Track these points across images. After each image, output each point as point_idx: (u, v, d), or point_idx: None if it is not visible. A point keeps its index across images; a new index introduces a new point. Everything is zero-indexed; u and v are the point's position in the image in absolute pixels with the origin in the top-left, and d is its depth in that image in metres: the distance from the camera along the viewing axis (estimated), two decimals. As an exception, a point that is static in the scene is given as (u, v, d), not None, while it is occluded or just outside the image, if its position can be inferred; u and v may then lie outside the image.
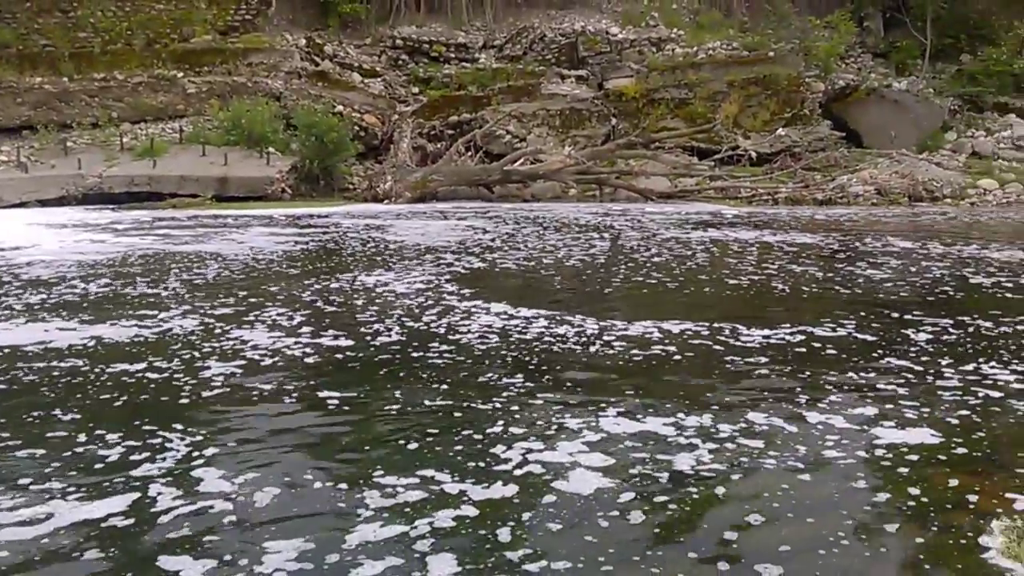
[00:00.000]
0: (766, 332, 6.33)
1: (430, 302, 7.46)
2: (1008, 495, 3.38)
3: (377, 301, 7.54)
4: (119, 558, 2.90)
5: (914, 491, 3.42)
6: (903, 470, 3.66)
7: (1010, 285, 8.79)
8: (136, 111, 25.45)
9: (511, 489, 3.41)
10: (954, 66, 31.50)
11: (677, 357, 5.61)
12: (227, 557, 2.89)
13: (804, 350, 5.85)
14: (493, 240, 12.94)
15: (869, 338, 6.24)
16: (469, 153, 24.72)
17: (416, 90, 28.44)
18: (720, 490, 3.46)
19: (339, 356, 5.57)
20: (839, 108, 28.28)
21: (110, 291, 8.11)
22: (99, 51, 25.93)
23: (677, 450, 3.88)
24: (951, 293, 8.34)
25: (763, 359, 5.53)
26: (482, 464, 3.69)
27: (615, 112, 26.94)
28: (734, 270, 9.82)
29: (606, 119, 26.83)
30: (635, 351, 5.74)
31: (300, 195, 22.79)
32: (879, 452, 3.87)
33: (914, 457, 3.80)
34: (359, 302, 7.53)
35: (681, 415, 4.39)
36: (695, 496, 3.40)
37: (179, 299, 7.62)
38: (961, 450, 3.90)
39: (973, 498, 3.33)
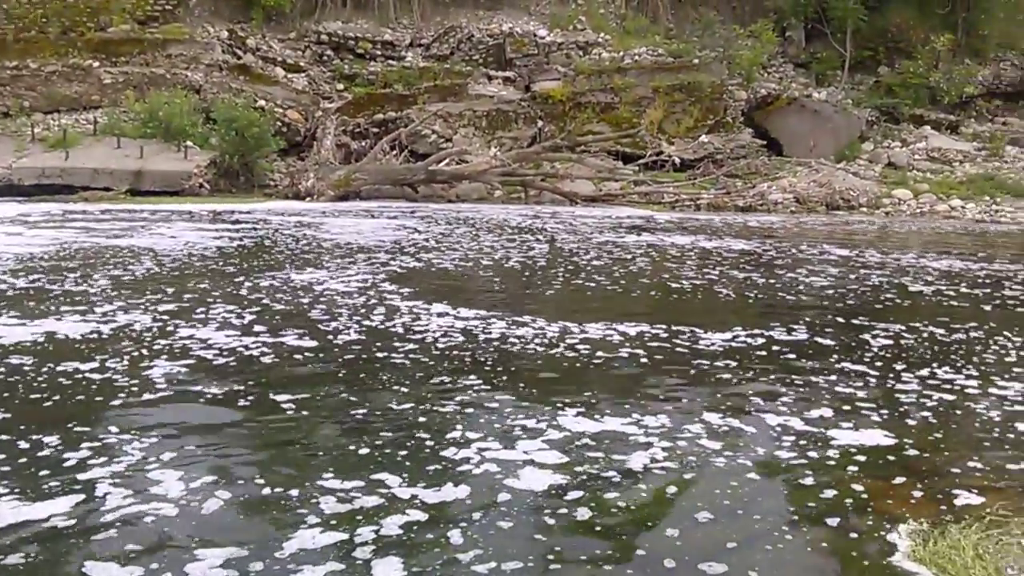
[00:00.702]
0: (723, 336, 6.39)
1: (373, 301, 7.41)
2: (939, 496, 3.48)
3: (322, 300, 7.43)
4: (43, 565, 2.82)
5: (857, 488, 3.53)
6: (852, 469, 3.75)
7: (952, 293, 8.99)
8: (49, 101, 24.80)
9: (463, 490, 3.39)
10: (872, 78, 32.54)
11: (636, 358, 5.64)
12: (154, 565, 2.80)
13: (764, 353, 5.91)
14: (427, 240, 12.93)
15: (825, 342, 6.34)
16: (394, 152, 24.72)
17: (341, 87, 28.32)
18: (671, 489, 3.50)
19: (294, 356, 5.44)
20: (761, 117, 29.05)
21: (47, 286, 7.82)
22: (12, 39, 25.16)
23: (633, 449, 3.90)
24: (897, 300, 8.49)
25: (723, 362, 5.60)
26: (436, 466, 3.65)
27: (541, 114, 27.22)
28: (676, 275, 9.92)
29: (532, 121, 27.10)
30: (593, 352, 5.77)
31: (219, 191, 22.48)
32: (831, 453, 3.95)
33: (862, 458, 3.88)
34: (304, 300, 7.41)
35: (638, 415, 4.41)
36: (645, 494, 3.44)
37: (122, 295, 7.43)
38: (912, 452, 4.01)
39: (898, 501, 3.43)
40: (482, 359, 5.50)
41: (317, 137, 24.99)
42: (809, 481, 3.64)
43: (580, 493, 3.40)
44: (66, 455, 3.73)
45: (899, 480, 3.64)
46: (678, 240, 14.09)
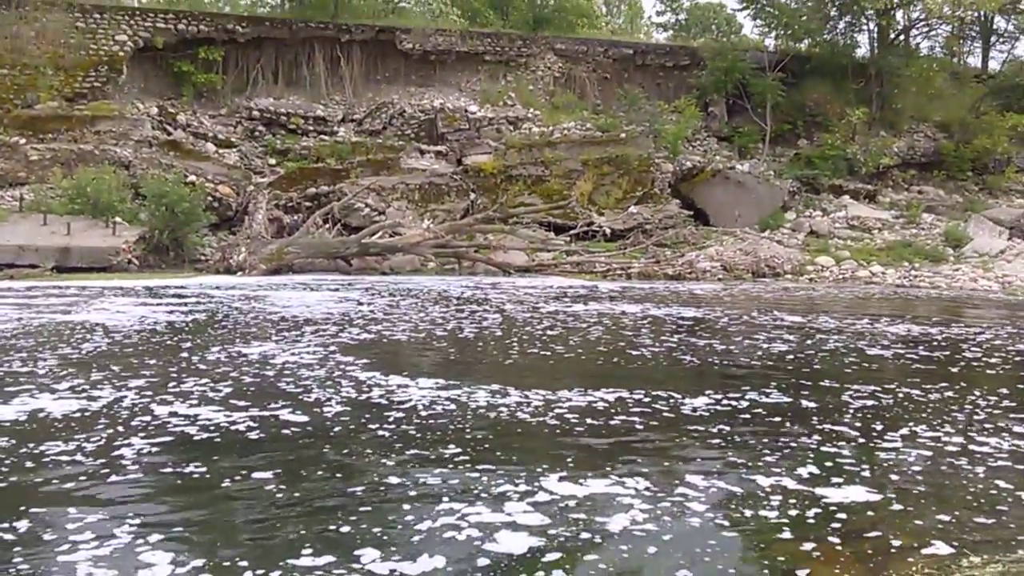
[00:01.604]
0: (703, 400, 6.49)
1: (336, 373, 7.35)
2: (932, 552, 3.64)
3: (286, 373, 7.37)
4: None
5: (836, 542, 3.69)
6: (835, 525, 3.90)
7: (915, 357, 9.11)
8: (-28, 178, 24.60)
9: (439, 560, 3.43)
10: (792, 150, 33.89)
11: (618, 423, 5.73)
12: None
13: (747, 416, 6.01)
14: (373, 312, 12.93)
15: (806, 404, 6.48)
16: (327, 225, 24.96)
17: (273, 161, 28.62)
18: (651, 548, 3.59)
19: (278, 430, 5.39)
20: (687, 188, 30.05)
21: (9, 365, 7.60)
22: (-65, 115, 25.03)
23: (614, 511, 3.99)
24: (862, 364, 8.65)
25: (710, 425, 5.68)
26: (415, 538, 3.67)
27: (474, 187, 27.85)
28: (635, 343, 9.91)
29: (465, 194, 27.68)
30: (581, 418, 5.86)
31: (148, 266, 22.43)
32: (814, 511, 4.08)
33: (843, 516, 4.02)
34: (268, 373, 7.36)
35: (622, 477, 4.50)
36: (624, 554, 3.52)
37: (85, 371, 7.30)
38: (897, 507, 4.18)
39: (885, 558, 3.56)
40: (465, 429, 5.49)
41: (249, 212, 25.16)
42: (787, 536, 3.77)
43: (558, 555, 3.52)
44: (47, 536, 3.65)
45: (878, 535, 3.78)
46: (627, 308, 14.26)
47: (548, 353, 9.04)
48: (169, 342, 9.38)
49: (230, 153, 27.91)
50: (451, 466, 4.67)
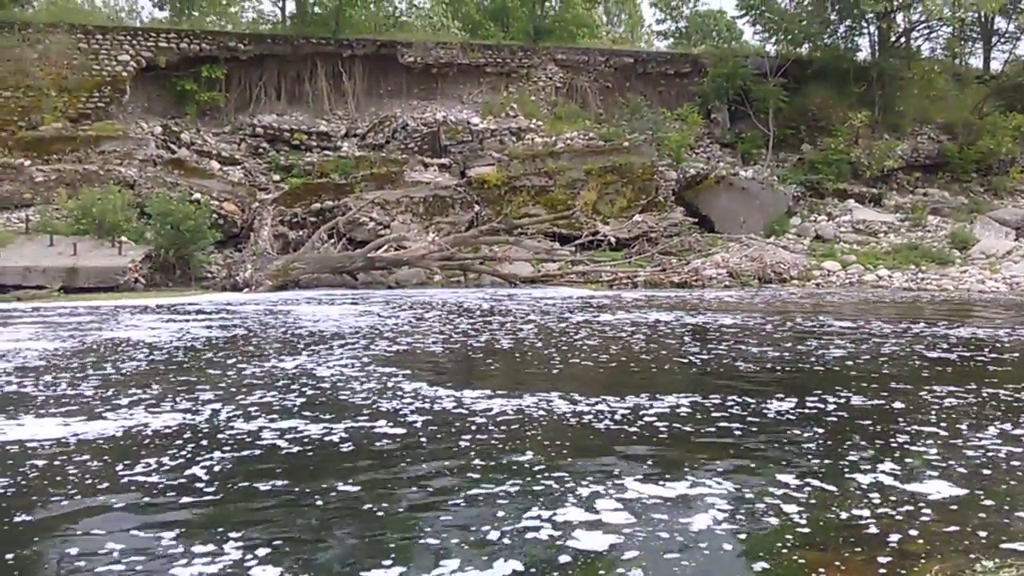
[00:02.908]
0: (782, 404, 6.55)
1: (379, 386, 7.43)
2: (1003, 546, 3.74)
3: (340, 385, 7.50)
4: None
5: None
6: (923, 519, 3.97)
7: (986, 359, 9.23)
8: (-22, 201, 24.84)
9: (518, 564, 3.57)
10: (796, 155, 34.00)
11: (705, 427, 5.82)
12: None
13: (835, 419, 6.06)
14: (399, 325, 13.08)
15: (897, 405, 6.55)
16: (332, 240, 25.14)
17: (277, 178, 28.90)
18: (727, 546, 3.73)
19: (370, 442, 5.51)
20: (691, 195, 30.22)
21: (72, 385, 7.69)
22: (-60, 139, 25.30)
23: (698, 511, 4.15)
24: (931, 366, 8.65)
25: (798, 428, 5.75)
26: (503, 539, 3.81)
27: (478, 199, 28.05)
28: (681, 350, 9.90)
29: (469, 206, 27.89)
30: (654, 422, 5.95)
31: (154, 285, 22.62)
32: (906, 508, 4.22)
33: (932, 512, 4.15)
34: (325, 386, 7.47)
35: (703, 479, 4.64)
36: (706, 552, 3.68)
37: (152, 387, 7.46)
38: (988, 502, 4.29)
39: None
40: (542, 436, 5.59)
41: (254, 228, 25.35)
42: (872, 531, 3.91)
43: (637, 552, 3.67)
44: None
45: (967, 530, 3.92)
46: (660, 317, 14.31)
47: (595, 362, 9.13)
48: (216, 357, 9.54)
49: (234, 170, 28.13)
50: (536, 472, 4.78)
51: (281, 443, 5.54)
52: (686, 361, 9.17)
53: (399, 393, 7.20)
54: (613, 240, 26.99)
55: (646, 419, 6.12)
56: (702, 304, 17.64)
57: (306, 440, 5.61)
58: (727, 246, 27.43)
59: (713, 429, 5.83)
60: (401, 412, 6.45)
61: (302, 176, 28.63)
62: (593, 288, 23.12)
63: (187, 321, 14.03)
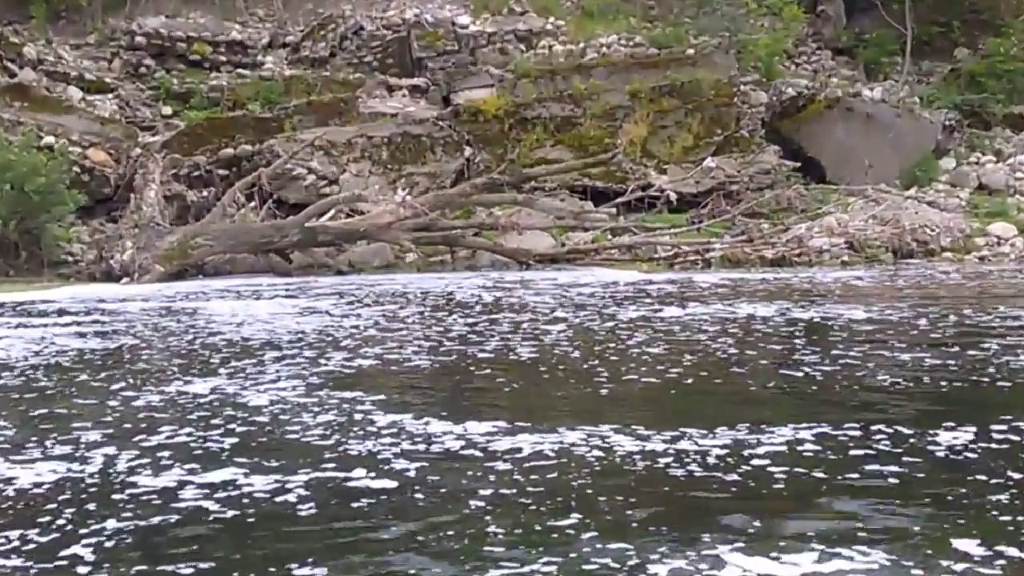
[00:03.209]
0: (951, 437, 6.57)
1: (343, 419, 7.44)
2: None
3: (284, 418, 7.53)
4: None
5: None
6: None
7: None
8: None
9: None
10: (946, 65, 33.73)
11: (823, 474, 5.78)
12: None
13: None
14: (362, 328, 13.21)
15: None
16: (253, 205, 24.96)
17: (168, 111, 28.79)
18: None
19: (343, 501, 5.53)
20: (790, 128, 30.12)
21: None
22: None
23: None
24: None
25: (975, 474, 5.79)
26: None
27: (469, 138, 27.95)
28: (786, 360, 10.03)
29: (457, 149, 27.79)
30: (765, 465, 5.93)
31: (-12, 273, 22.50)
32: None
33: None
34: (262, 419, 7.50)
35: (841, 550, 4.61)
36: None
37: (6, 428, 7.53)
38: None
39: None
40: (598, 486, 5.60)
41: (136, 187, 25.19)
42: None
43: None
44: None
45: None
46: (754, 310, 14.32)
47: (663, 378, 9.13)
48: (95, 380, 9.52)
49: (104, 100, 27.98)
50: (586, 545, 4.72)
51: (209, 504, 5.43)
52: (801, 375, 9.11)
53: (372, 429, 7.14)
54: (673, 197, 26.76)
55: (751, 462, 6.04)
56: (816, 290, 17.55)
57: (246, 500, 5.50)
58: (845, 203, 27.23)
59: (854, 475, 5.75)
60: (381, 456, 6.37)
61: (205, 108, 28.47)
62: (645, 269, 22.97)
63: (45, 327, 13.95)
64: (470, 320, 14.00)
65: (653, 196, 26.61)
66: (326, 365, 10.10)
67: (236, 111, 28.09)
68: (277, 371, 9.75)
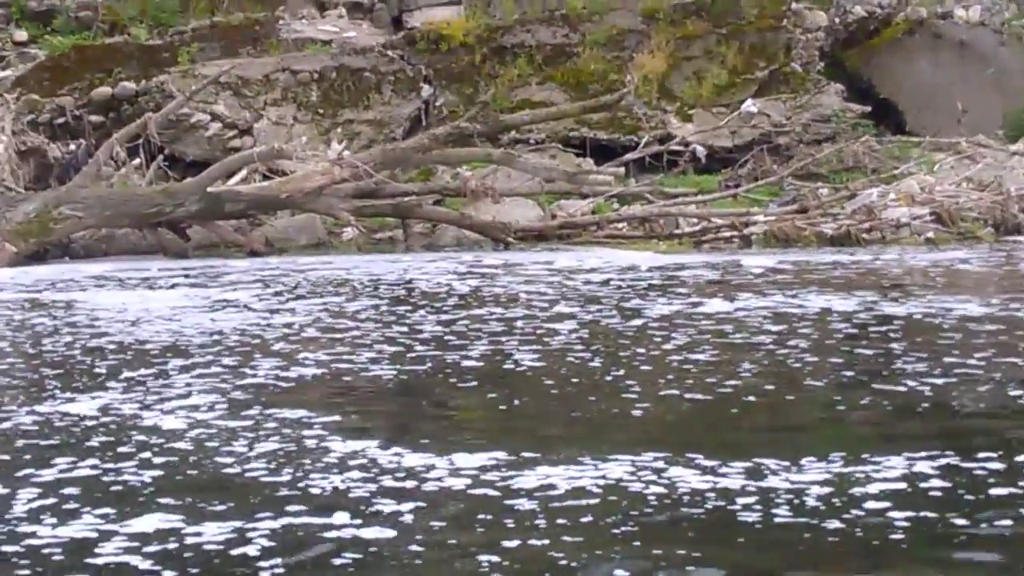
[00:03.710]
0: None
1: (290, 447, 7.50)
2: None
3: (212, 444, 7.56)
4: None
5: None
6: None
7: None
8: None
9: None
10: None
11: (962, 519, 5.76)
12: None
13: None
14: (297, 327, 13.36)
15: None
16: (136, 162, 24.86)
17: (23, 36, 28.79)
18: None
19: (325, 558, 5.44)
20: (857, 60, 30.31)
21: None
22: None
23: None
24: None
25: None
26: None
27: (429, 75, 27.98)
28: (882, 369, 10.30)
29: (412, 88, 27.81)
30: (850, 511, 5.93)
31: None
32: None
33: None
34: (183, 446, 7.53)
35: None
36: None
37: None
38: None
39: None
40: (644, 532, 5.74)
41: (-22, 139, 25.06)
42: None
43: None
44: None
45: None
46: (833, 305, 14.52)
47: (716, 394, 9.23)
48: None
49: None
50: None
51: (138, 562, 5.32)
52: (904, 389, 9.13)
53: (332, 460, 7.13)
54: (701, 152, 26.78)
55: (860, 504, 5.94)
56: (910, 277, 17.77)
57: (191, 557, 5.39)
58: (931, 161, 27.25)
59: (1000, 520, 5.67)
60: (354, 496, 6.34)
61: (73, 33, 28.44)
62: (664, 248, 22.89)
63: None
64: (444, 317, 14.07)
65: (674, 152, 26.70)
66: (254, 376, 10.12)
67: (114, 36, 27.99)
68: (188, 384, 9.73)
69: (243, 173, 24.11)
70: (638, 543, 5.45)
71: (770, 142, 27.42)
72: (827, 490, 6.19)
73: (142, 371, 10.42)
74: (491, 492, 6.36)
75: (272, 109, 26.78)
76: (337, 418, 8.32)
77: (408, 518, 5.91)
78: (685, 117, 27.70)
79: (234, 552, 5.37)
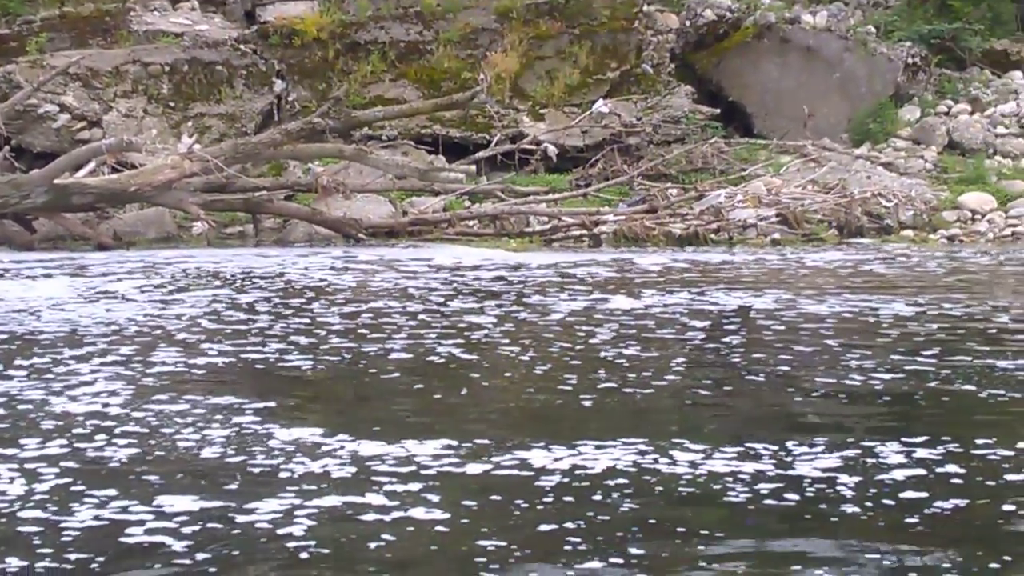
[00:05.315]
0: None
1: (227, 432, 7.56)
2: None
3: (156, 440, 7.51)
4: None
5: None
6: None
7: None
8: None
9: None
10: (910, -15, 34.21)
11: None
12: None
13: None
14: (191, 317, 13.37)
15: None
16: (-22, 153, 24.55)
17: None
18: None
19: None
20: (708, 63, 30.49)
21: None
22: None
23: None
24: None
25: None
26: None
27: (282, 69, 27.91)
28: (828, 360, 10.81)
29: (265, 83, 27.74)
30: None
31: None
32: None
33: None
34: (121, 440, 7.41)
35: None
36: None
37: None
38: None
39: None
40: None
41: None
42: None
43: None
44: None
45: None
46: (749, 301, 14.94)
47: (657, 387, 9.48)
48: None
49: None
50: None
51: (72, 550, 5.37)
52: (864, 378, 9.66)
53: (278, 446, 7.23)
54: (553, 151, 26.86)
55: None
56: (820, 278, 18.38)
57: (130, 541, 5.51)
58: (777, 163, 27.56)
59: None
60: (321, 486, 6.44)
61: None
62: (514, 246, 22.97)
63: None
64: (346, 310, 14.22)
65: (526, 150, 26.80)
66: (162, 364, 10.09)
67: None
68: (92, 371, 9.66)
69: (91, 165, 23.83)
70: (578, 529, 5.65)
71: (621, 142, 27.49)
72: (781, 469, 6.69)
73: (34, 360, 10.29)
74: (438, 480, 6.50)
75: (122, 101, 26.47)
76: (271, 405, 8.42)
77: (351, 504, 6.02)
78: (537, 116, 27.77)
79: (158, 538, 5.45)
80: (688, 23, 30.59)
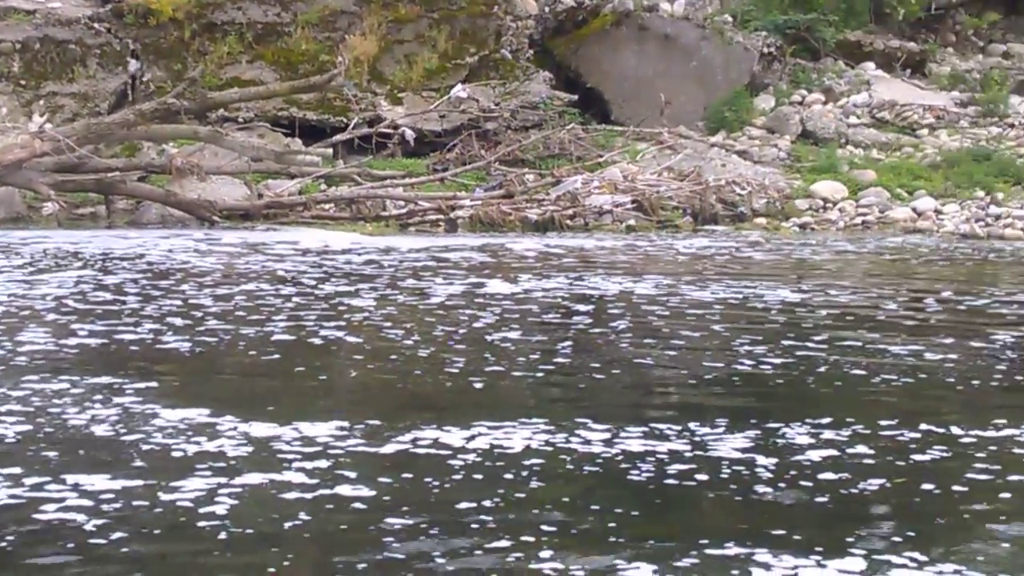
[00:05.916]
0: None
1: (112, 411, 7.53)
2: None
3: (28, 415, 7.48)
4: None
5: None
6: None
7: None
8: None
9: None
10: (765, -25, 34.51)
11: None
12: None
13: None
14: (55, 298, 13.25)
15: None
16: None
17: None
18: None
19: None
20: (566, 50, 30.58)
21: None
22: None
23: None
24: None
25: None
26: None
27: (136, 49, 27.59)
28: (715, 339, 11.07)
29: (119, 62, 27.40)
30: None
31: None
32: None
33: None
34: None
35: None
36: None
37: None
38: None
39: None
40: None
41: None
42: None
43: None
44: None
45: None
46: (628, 287, 15.06)
47: (544, 370, 9.77)
48: None
49: None
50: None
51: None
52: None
53: (166, 425, 7.25)
54: (411, 136, 26.84)
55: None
56: (699, 264, 18.61)
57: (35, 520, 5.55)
58: (634, 150, 27.71)
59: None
60: (218, 465, 6.47)
61: None
62: (371, 230, 22.95)
63: None
64: (219, 292, 14.13)
65: (384, 134, 26.75)
66: (32, 344, 10.07)
67: None
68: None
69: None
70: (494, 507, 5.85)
71: (478, 127, 27.53)
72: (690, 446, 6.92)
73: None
74: (343, 458, 6.60)
75: (-31, 80, 26.15)
76: (152, 385, 8.44)
77: (248, 487, 6.06)
78: (395, 100, 27.73)
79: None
80: (547, 9, 30.66)
